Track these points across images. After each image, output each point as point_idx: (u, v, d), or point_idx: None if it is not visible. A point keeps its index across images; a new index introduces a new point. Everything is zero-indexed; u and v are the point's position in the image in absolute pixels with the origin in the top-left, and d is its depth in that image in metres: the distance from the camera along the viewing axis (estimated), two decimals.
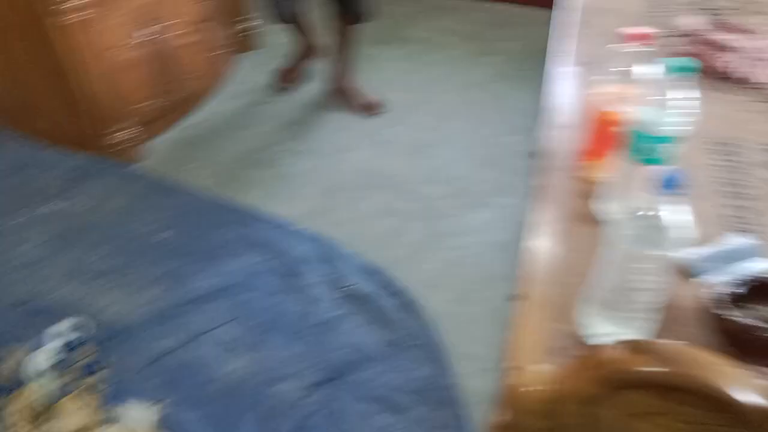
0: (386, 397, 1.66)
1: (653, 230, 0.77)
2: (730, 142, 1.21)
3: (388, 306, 1.87)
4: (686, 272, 0.95)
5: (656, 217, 0.77)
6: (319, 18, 2.60)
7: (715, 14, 1.54)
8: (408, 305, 1.87)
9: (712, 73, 1.34)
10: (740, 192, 1.11)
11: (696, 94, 0.95)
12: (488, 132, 2.55)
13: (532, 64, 2.49)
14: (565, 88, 1.29)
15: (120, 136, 2.32)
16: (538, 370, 0.82)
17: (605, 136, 1.04)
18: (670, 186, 0.75)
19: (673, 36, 1.45)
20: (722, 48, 1.37)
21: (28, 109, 2.38)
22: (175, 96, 2.48)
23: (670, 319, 0.87)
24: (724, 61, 1.34)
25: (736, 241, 1.01)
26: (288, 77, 2.74)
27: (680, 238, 0.79)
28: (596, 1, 1.61)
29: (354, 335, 1.80)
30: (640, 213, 0.78)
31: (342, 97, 2.64)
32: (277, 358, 1.74)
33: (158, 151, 2.44)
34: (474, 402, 1.65)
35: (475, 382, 1.70)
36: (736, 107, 1.29)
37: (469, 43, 3.00)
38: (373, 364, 1.73)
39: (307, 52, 2.72)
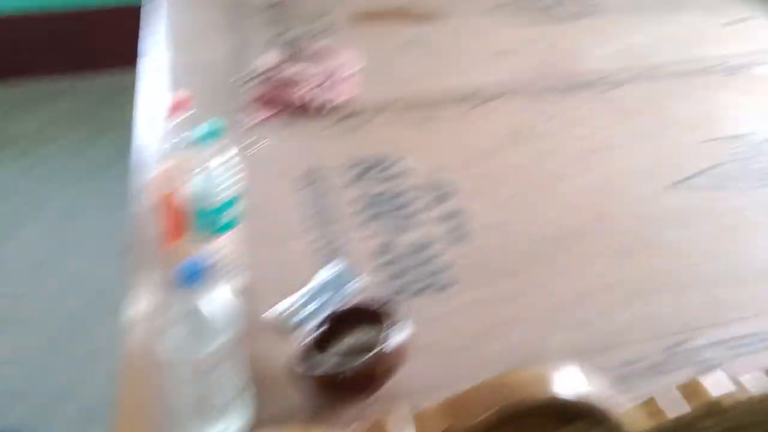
0: None
1: (198, 330, 0.71)
2: (314, 172, 1.20)
3: None
4: (285, 331, 0.90)
5: (196, 316, 0.71)
6: None
7: (292, 45, 1.58)
8: None
9: (292, 109, 1.36)
10: (328, 218, 1.10)
11: (232, 152, 0.93)
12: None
13: None
14: (144, 172, 1.19)
15: None
16: None
17: (175, 216, 0.98)
18: (193, 280, 0.70)
19: (252, 79, 1.44)
20: (294, 81, 1.40)
21: None
22: None
23: (270, 395, 0.82)
24: (298, 95, 1.37)
25: (325, 273, 0.97)
26: None
27: (225, 323, 0.72)
28: (183, 59, 1.54)
29: None
30: (180, 317, 0.72)
31: None
32: None
33: None
34: None
35: None
36: (315, 136, 1.31)
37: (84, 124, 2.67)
38: None
39: None
